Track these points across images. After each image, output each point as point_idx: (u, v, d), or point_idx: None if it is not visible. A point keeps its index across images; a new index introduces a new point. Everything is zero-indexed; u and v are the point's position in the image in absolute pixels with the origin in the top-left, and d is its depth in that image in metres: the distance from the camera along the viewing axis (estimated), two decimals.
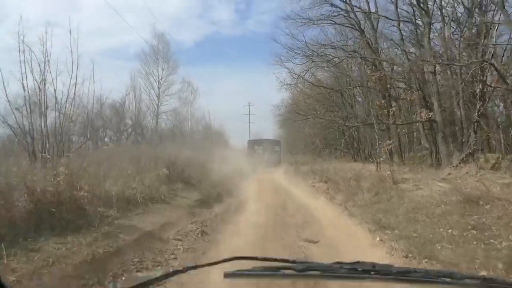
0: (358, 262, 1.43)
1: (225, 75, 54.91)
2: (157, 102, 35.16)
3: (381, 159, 12.25)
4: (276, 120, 36.06)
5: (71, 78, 8.61)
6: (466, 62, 10.50)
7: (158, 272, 1.49)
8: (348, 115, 18.26)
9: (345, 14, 16.47)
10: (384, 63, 16.22)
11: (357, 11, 16.19)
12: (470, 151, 10.85)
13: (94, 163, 8.08)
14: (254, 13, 59.61)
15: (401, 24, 14.70)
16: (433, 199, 6.65)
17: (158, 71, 35.05)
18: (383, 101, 16.03)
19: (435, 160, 13.35)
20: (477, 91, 10.62)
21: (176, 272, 1.41)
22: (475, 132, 10.90)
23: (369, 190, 8.39)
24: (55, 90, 8.47)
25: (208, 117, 40.84)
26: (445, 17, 12.92)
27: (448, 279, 1.37)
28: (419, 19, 13.96)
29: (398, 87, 15.83)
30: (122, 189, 7.54)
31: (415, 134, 19.92)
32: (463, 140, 13.57)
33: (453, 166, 9.86)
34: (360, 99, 19.54)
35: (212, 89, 56.67)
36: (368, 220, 5.91)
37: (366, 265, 1.40)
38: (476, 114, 10.53)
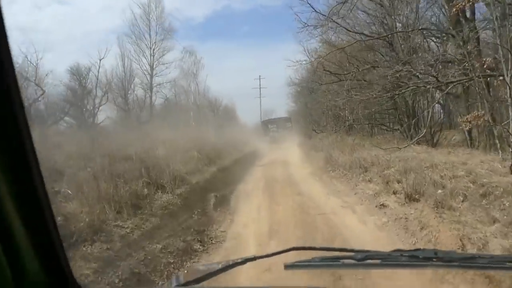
0: (419, 250, 1.34)
1: (236, 51, 49.84)
2: (149, 72, 29.90)
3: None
4: (290, 93, 30.70)
5: None
6: None
7: (218, 265, 1.40)
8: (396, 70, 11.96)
9: None
10: None
11: None
12: None
13: None
14: None
15: None
16: None
17: (150, 35, 29.47)
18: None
19: None
20: None
21: (235, 264, 1.40)
22: None
23: None
24: None
25: (214, 91, 35.59)
26: None
27: None
28: None
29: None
30: None
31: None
32: None
33: None
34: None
35: (222, 66, 51.86)
36: None
37: (427, 252, 1.30)
38: None
